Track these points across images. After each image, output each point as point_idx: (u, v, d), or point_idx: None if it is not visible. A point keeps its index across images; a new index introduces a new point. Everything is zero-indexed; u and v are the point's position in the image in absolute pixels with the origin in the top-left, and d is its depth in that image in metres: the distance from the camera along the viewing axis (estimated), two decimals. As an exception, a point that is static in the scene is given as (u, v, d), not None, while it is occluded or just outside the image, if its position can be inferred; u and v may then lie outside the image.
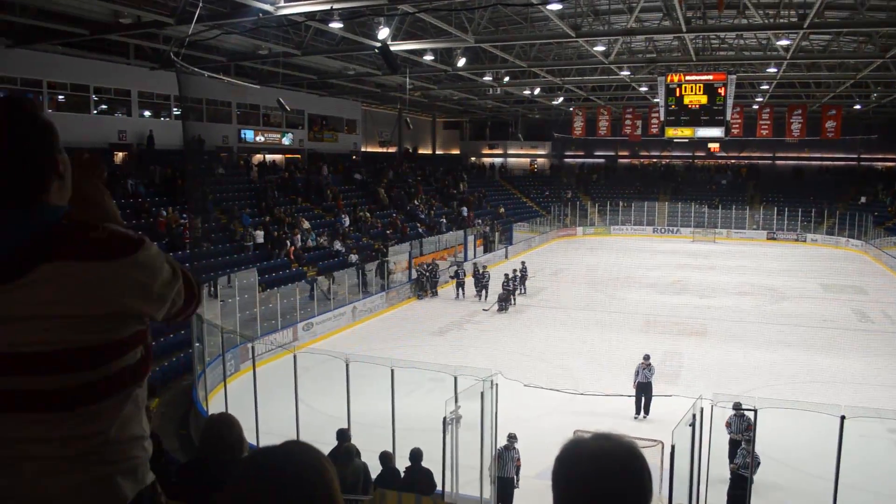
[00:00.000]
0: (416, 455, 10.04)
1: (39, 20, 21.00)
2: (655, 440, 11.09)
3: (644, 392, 15.42)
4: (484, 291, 28.15)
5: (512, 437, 11.37)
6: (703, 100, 29.66)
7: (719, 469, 11.20)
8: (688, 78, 29.72)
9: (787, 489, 11.82)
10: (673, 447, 9.51)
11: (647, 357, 15.86)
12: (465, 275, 29.52)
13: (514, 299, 27.16)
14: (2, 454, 1.42)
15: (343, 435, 10.54)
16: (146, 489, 1.58)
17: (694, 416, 9.97)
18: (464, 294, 28.73)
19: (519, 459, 11.34)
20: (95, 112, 28.13)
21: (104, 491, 1.49)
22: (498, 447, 11.07)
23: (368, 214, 35.71)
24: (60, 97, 26.81)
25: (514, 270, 28.31)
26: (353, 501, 8.79)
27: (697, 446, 9.95)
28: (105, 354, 1.49)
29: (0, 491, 1.42)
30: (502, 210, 47.97)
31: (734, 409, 12.09)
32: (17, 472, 1.42)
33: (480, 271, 29.04)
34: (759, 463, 10.98)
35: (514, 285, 27.29)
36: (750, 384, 16.87)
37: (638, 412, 15.36)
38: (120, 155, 28.98)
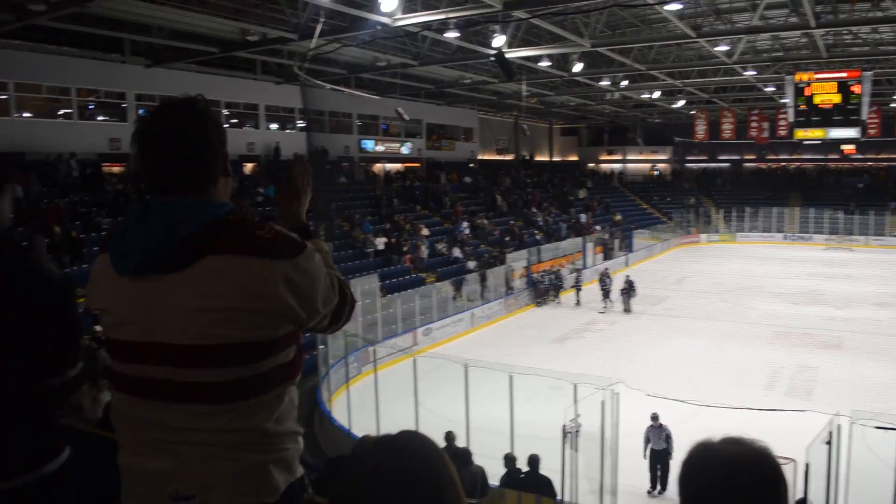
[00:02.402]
0: (534, 461, 9.98)
1: (174, 41, 22.52)
2: (788, 458, 10.52)
3: (659, 462, 12.16)
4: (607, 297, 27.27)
5: None
6: (836, 99, 28.04)
7: (859, 494, 10.47)
8: (818, 76, 28.18)
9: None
10: (808, 466, 9.02)
11: (655, 417, 12.49)
12: (584, 282, 29.07)
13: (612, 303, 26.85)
14: (165, 440, 1.50)
15: (448, 436, 10.60)
16: (297, 481, 1.63)
17: (830, 433, 9.40)
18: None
19: None
20: (226, 126, 29.35)
21: (259, 479, 1.55)
22: None
23: (486, 221, 35.82)
24: (195, 112, 28.32)
25: (627, 276, 27.54)
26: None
27: (835, 466, 9.38)
28: (260, 351, 1.53)
29: (163, 474, 1.50)
30: (619, 217, 46.92)
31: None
32: (179, 457, 1.49)
33: (604, 277, 28.14)
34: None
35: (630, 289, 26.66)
36: (893, 402, 15.78)
37: (653, 487, 12.28)
38: (249, 166, 30.37)
